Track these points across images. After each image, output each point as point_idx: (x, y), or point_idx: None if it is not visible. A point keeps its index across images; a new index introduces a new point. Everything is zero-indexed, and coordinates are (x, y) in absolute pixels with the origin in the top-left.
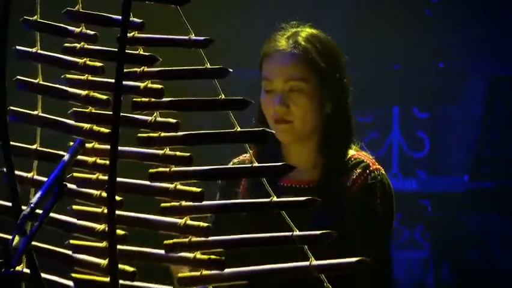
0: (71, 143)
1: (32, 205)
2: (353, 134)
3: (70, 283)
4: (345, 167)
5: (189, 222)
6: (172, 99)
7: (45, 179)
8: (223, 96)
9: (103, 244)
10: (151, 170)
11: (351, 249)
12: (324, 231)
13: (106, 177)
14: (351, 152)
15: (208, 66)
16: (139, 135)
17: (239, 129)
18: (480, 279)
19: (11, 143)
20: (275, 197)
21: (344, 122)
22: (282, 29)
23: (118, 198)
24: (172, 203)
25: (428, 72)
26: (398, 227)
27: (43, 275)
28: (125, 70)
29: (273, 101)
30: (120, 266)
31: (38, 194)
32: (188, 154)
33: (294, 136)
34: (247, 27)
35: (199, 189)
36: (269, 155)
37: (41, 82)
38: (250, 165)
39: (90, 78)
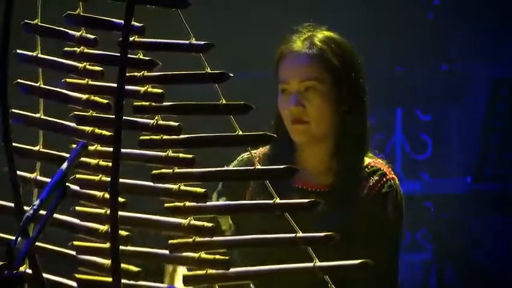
0: (74, 145)
1: (35, 206)
2: (368, 138)
3: (73, 284)
4: (361, 173)
5: (193, 222)
6: (173, 103)
7: (48, 180)
8: (223, 101)
9: (107, 245)
10: (154, 172)
11: (359, 256)
12: (327, 233)
13: (108, 179)
14: (367, 160)
15: (209, 70)
16: (142, 137)
17: (240, 132)
18: (483, 281)
19: (14, 144)
20: (279, 198)
21: (359, 124)
22: (297, 31)
23: (121, 199)
24: (176, 204)
25: (431, 75)
26: None
27: (46, 276)
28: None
29: (288, 101)
30: (125, 265)
31: (41, 196)
32: (191, 156)
33: (310, 137)
34: (249, 29)
35: (202, 190)
36: (283, 156)
37: (42, 86)
38: (253, 167)
39: (90, 82)
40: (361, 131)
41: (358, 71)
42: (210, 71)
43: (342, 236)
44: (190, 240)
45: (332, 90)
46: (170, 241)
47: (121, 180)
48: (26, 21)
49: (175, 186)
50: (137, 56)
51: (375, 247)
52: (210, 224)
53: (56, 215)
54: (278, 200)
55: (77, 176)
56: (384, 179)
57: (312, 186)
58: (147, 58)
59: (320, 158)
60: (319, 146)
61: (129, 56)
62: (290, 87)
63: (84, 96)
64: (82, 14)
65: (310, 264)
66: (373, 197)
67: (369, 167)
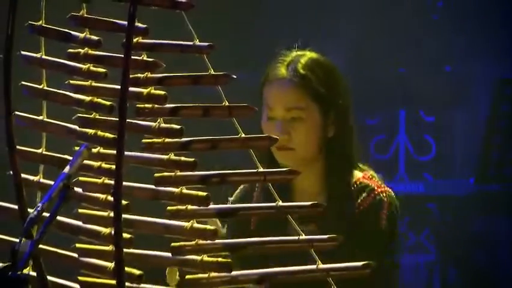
0: (77, 148)
1: (38, 209)
2: (356, 157)
3: (77, 286)
4: (350, 191)
5: (195, 225)
6: (175, 105)
7: (51, 182)
8: (227, 103)
9: (110, 248)
10: (156, 175)
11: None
12: (330, 235)
13: (111, 181)
14: (358, 175)
15: (212, 72)
16: (144, 140)
17: (243, 135)
18: (486, 282)
19: (17, 147)
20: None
21: (346, 146)
22: (282, 55)
23: (124, 202)
24: (178, 207)
25: (435, 76)
26: (404, 230)
27: (49, 278)
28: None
29: (274, 127)
30: (127, 268)
31: (45, 198)
32: (193, 159)
33: (296, 162)
34: (255, 30)
35: (204, 193)
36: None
37: (45, 88)
38: (256, 170)
39: (94, 84)
40: (348, 152)
41: (343, 95)
42: (213, 73)
43: (339, 257)
44: (193, 243)
45: (317, 117)
46: (172, 244)
47: (123, 183)
48: (30, 22)
49: (177, 190)
50: (141, 58)
51: (369, 255)
52: (212, 227)
53: (59, 218)
54: (281, 203)
55: (80, 178)
56: (372, 195)
57: None
58: (151, 60)
59: (312, 179)
60: (308, 169)
61: (133, 57)
62: (275, 114)
63: (87, 98)
64: (85, 15)
65: (313, 266)
66: (360, 214)
67: (358, 183)
